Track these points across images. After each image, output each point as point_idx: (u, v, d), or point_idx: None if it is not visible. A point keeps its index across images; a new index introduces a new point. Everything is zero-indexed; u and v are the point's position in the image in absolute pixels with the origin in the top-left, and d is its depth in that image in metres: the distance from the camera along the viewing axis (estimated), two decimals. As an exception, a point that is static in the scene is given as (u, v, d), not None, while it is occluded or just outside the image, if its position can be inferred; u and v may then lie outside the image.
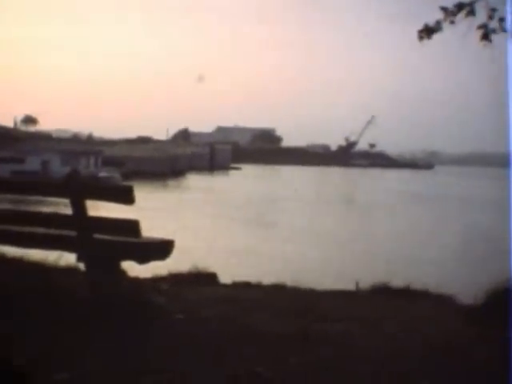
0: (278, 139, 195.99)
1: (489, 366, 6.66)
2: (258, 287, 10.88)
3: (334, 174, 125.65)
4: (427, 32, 10.38)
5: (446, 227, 40.46)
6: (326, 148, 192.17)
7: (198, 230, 33.38)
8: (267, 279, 11.32)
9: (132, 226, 7.80)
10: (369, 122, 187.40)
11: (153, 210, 39.04)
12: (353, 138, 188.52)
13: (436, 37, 10.25)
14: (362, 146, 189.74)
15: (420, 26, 10.22)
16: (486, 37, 10.08)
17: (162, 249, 8.01)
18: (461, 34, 10.03)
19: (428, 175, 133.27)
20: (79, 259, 8.13)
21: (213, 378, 6.11)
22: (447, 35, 10.12)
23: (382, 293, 10.37)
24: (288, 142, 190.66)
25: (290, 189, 74.81)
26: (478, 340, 7.51)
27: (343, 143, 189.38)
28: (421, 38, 10.36)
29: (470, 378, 6.39)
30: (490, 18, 10.04)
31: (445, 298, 10.47)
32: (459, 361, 6.83)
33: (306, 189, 76.66)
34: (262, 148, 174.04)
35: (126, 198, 7.85)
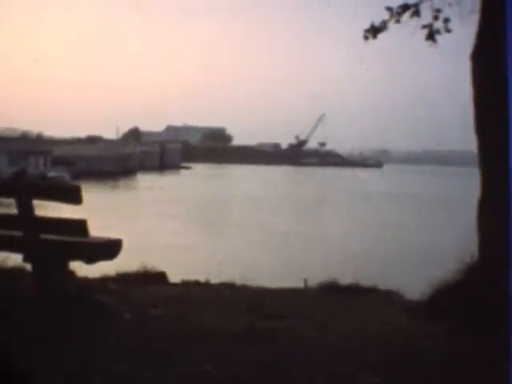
0: (229, 138, 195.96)
1: (433, 360, 6.78)
2: (207, 286, 10.90)
3: (284, 173, 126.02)
4: (373, 31, 10.52)
5: (395, 225, 40.81)
6: (276, 147, 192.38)
7: (147, 229, 33.27)
8: (216, 278, 11.34)
9: (79, 226, 7.77)
10: (319, 121, 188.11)
11: (102, 209, 38.80)
12: (303, 137, 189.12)
13: (389, 33, 10.40)
14: (313, 144, 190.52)
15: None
16: (430, 37, 10.24)
17: (110, 248, 7.99)
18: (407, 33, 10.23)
19: (378, 173, 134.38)
20: (26, 259, 8.07)
21: (161, 377, 6.11)
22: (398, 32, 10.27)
23: (330, 290, 10.45)
24: (239, 140, 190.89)
25: (241, 188, 74.95)
26: (423, 335, 7.63)
27: (293, 142, 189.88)
28: (366, 37, 10.50)
29: (416, 372, 6.48)
30: (435, 18, 10.22)
31: (392, 294, 10.59)
32: (405, 355, 6.93)
33: (255, 188, 76.75)
34: (213, 147, 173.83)
35: (74, 197, 7.81)
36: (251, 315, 8.38)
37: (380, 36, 10.47)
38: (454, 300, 8.15)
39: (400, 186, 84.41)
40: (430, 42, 10.22)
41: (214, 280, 11.20)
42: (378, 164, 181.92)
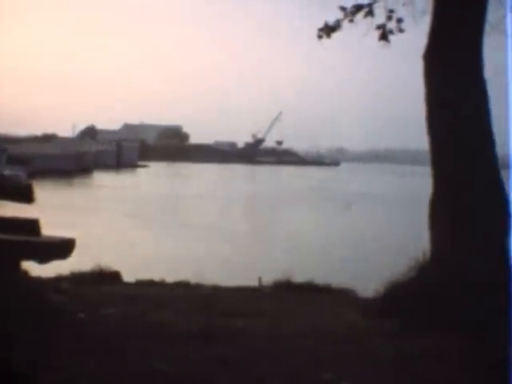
0: (186, 136, 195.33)
1: (385, 358, 6.85)
2: (161, 285, 10.88)
3: (241, 172, 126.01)
4: (327, 30, 10.58)
5: (351, 223, 41.05)
6: (232, 145, 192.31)
7: (102, 228, 33.04)
8: (171, 277, 11.32)
9: (32, 225, 7.71)
10: (276, 119, 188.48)
11: (56, 208, 38.49)
12: (260, 136, 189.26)
13: (345, 33, 10.47)
14: (269, 143, 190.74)
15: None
16: (384, 37, 10.33)
17: (63, 248, 7.93)
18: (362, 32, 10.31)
19: (334, 172, 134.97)
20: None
21: (115, 376, 6.08)
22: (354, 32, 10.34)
23: (285, 289, 10.50)
24: (195, 139, 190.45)
25: (197, 186, 74.80)
26: (375, 332, 7.70)
27: (250, 140, 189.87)
28: (320, 36, 10.56)
29: (366, 368, 6.54)
30: (389, 18, 10.31)
31: (346, 292, 10.67)
32: (357, 353, 6.99)
33: (211, 186, 76.67)
34: (169, 145, 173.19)
35: (26, 196, 7.75)
36: (206, 314, 8.39)
37: (336, 35, 10.55)
38: (406, 298, 8.22)
39: (356, 184, 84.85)
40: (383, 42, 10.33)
41: (169, 279, 11.19)
42: (334, 162, 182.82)
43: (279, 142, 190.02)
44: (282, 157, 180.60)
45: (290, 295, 10.07)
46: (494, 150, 8.90)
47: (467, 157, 8.79)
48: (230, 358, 6.63)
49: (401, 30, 10.33)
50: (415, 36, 10.17)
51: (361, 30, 10.28)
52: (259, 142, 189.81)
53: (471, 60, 9.05)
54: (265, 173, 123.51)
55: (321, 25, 10.46)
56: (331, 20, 10.42)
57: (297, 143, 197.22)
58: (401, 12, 10.19)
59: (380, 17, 10.25)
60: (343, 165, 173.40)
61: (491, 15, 9.19)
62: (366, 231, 35.66)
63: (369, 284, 9.90)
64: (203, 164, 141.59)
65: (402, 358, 6.80)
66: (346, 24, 10.42)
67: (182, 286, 10.66)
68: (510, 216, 8.70)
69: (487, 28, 9.14)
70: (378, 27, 10.21)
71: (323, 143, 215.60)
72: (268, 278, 11.09)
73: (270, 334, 7.57)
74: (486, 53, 8.96)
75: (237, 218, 43.97)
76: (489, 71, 8.90)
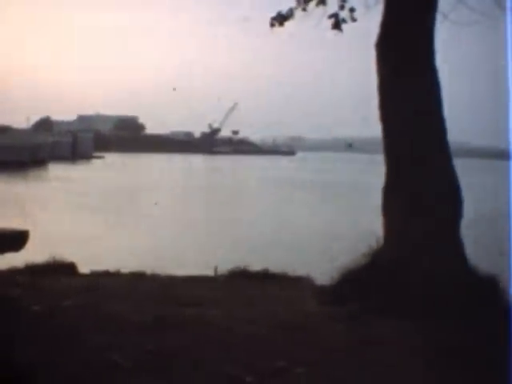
0: (141, 127, 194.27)
1: (339, 343, 6.92)
2: (117, 276, 10.83)
3: (198, 162, 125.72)
4: (280, 19, 10.61)
5: (306, 211, 41.19)
6: (189, 135, 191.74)
7: (56, 220, 32.81)
8: (127, 268, 11.28)
9: (-17, 218, 7.63)
10: (231, 109, 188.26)
11: (9, 200, 38.14)
12: (216, 125, 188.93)
13: (296, 22, 10.51)
14: (226, 132, 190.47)
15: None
16: (337, 26, 10.38)
17: (17, 239, 7.89)
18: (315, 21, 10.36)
19: (290, 161, 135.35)
20: None
21: (69, 367, 6.07)
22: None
23: (241, 277, 10.53)
24: (151, 129, 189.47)
25: (152, 177, 74.51)
26: (329, 319, 7.77)
27: (207, 130, 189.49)
28: (272, 25, 10.59)
29: (320, 355, 6.61)
30: (341, 8, 10.37)
31: (302, 280, 10.71)
32: (312, 340, 7.06)
33: (167, 177, 76.41)
34: (125, 136, 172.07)
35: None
36: (161, 304, 8.39)
37: (290, 24, 10.58)
38: (360, 284, 8.31)
39: (312, 172, 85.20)
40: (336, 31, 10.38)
41: (124, 270, 11.15)
42: (290, 151, 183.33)
43: (235, 132, 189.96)
44: (239, 146, 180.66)
45: (245, 284, 10.09)
46: (446, 138, 9.02)
47: (419, 144, 8.89)
48: (184, 347, 6.65)
49: (353, 19, 10.39)
50: (369, 25, 10.21)
51: (313, 19, 10.33)
52: (215, 131, 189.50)
53: (423, 49, 9.15)
54: (221, 162, 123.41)
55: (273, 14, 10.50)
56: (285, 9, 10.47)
57: (253, 132, 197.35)
58: (353, 1, 10.26)
59: (333, 6, 10.31)
60: (299, 154, 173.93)
61: (443, 5, 9.32)
62: (322, 219, 35.81)
63: (325, 271, 9.96)
64: (159, 154, 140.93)
65: (355, 344, 6.88)
66: (299, 13, 10.47)
67: (138, 277, 10.62)
68: (461, 202, 8.83)
69: (439, 17, 9.26)
70: (331, 16, 10.26)
71: (279, 132, 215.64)
72: (224, 267, 11.10)
73: (225, 323, 7.59)
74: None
75: (192, 208, 43.87)
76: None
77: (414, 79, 9.07)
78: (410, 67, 9.11)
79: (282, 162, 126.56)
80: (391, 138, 9.13)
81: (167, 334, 7.09)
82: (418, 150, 8.87)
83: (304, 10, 10.44)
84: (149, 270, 10.89)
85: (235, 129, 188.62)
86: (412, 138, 8.94)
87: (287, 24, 10.55)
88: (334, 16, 10.29)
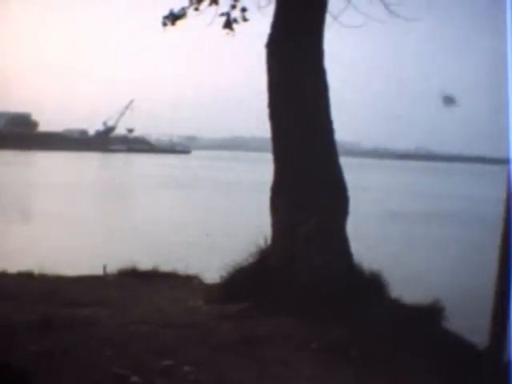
0: (35, 124, 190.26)
1: (225, 341, 6.97)
2: (3, 276, 10.60)
3: (92, 160, 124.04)
4: (172, 18, 10.58)
5: (200, 209, 41.14)
6: (83, 133, 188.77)
7: None
8: (14, 268, 11.06)
9: None
10: (127, 107, 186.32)
11: None
12: (111, 123, 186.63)
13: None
14: (121, 131, 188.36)
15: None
16: (228, 25, 10.43)
17: None
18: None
19: (187, 159, 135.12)
20: None
21: None
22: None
23: (130, 276, 10.48)
24: (45, 127, 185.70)
25: (45, 175, 73.03)
26: (218, 317, 7.81)
27: (101, 128, 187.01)
28: (164, 24, 10.56)
29: (207, 353, 6.64)
30: (233, 7, 10.42)
31: (191, 278, 10.75)
32: (199, 338, 7.08)
33: (60, 175, 75.13)
34: (17, 133, 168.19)
35: None
36: (49, 304, 8.28)
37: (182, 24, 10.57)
38: (247, 283, 8.37)
39: (206, 170, 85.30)
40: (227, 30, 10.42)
41: (12, 270, 10.92)
42: (186, 150, 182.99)
43: (130, 130, 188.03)
44: (134, 145, 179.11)
45: (134, 282, 10.06)
46: (333, 137, 9.16)
47: (306, 143, 8.98)
48: (70, 347, 6.58)
49: (245, 19, 10.45)
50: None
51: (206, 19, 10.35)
52: (110, 129, 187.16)
53: (311, 49, 9.27)
54: (115, 160, 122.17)
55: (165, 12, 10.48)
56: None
57: (149, 131, 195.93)
58: (246, 1, 10.32)
59: (226, 6, 10.35)
60: (194, 152, 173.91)
61: (333, 7, 9.48)
62: (214, 218, 35.84)
63: (215, 270, 9.99)
64: (53, 152, 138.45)
65: (241, 342, 6.94)
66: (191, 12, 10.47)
67: (25, 277, 10.44)
68: (347, 201, 8.98)
69: (328, 19, 9.41)
70: (222, 14, 10.29)
71: (175, 131, 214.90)
72: (114, 266, 11.02)
73: (112, 322, 7.56)
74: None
75: (85, 206, 43.22)
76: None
77: (302, 79, 9.17)
78: (298, 67, 9.22)
79: (177, 160, 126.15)
80: (279, 137, 9.20)
81: (53, 334, 6.99)
82: (305, 149, 8.96)
83: (196, 9, 10.44)
84: (37, 270, 10.71)
85: (130, 127, 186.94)
86: (299, 136, 9.03)
87: (181, 24, 10.53)
88: (225, 14, 10.33)
